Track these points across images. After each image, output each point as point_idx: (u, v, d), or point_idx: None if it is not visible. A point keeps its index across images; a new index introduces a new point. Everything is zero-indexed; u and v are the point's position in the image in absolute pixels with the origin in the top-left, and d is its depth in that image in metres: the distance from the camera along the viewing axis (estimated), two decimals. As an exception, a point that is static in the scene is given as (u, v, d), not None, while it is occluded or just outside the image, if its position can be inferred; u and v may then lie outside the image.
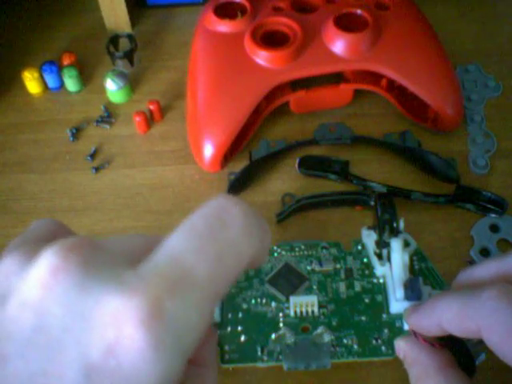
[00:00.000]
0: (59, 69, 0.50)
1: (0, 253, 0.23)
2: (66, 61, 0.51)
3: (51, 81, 0.50)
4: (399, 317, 0.32)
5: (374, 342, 0.32)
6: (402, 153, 0.44)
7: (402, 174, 0.44)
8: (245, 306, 0.33)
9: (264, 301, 0.33)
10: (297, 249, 0.35)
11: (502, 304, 0.24)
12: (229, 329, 0.32)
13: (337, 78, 0.46)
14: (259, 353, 0.31)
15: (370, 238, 0.35)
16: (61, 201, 0.43)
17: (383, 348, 0.31)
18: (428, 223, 0.41)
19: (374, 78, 0.45)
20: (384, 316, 0.32)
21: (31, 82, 0.50)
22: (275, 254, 0.35)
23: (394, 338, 0.31)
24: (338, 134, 0.44)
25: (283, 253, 0.35)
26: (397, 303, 0.32)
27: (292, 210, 0.41)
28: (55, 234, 0.22)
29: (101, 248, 0.18)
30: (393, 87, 0.46)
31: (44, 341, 0.16)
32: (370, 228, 0.35)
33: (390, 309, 0.32)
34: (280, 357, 0.31)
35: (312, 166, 0.43)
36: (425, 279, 0.33)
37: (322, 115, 0.47)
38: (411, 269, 0.33)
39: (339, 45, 0.42)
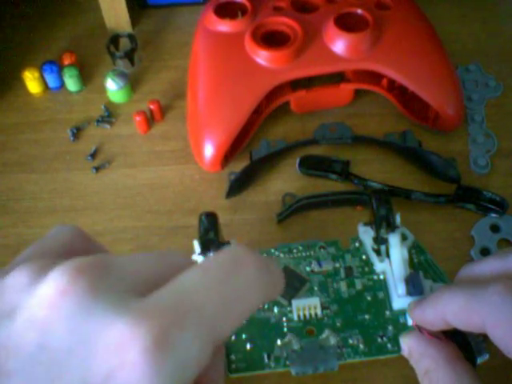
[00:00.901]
0: (60, 68, 0.50)
1: (0, 253, 0.23)
2: (66, 60, 0.51)
3: (52, 80, 0.50)
4: (402, 313, 0.32)
5: (379, 340, 0.32)
6: (403, 153, 0.44)
7: (402, 173, 0.44)
8: None
9: (266, 306, 0.33)
10: (295, 250, 0.35)
11: (507, 299, 0.24)
12: (233, 338, 0.32)
13: (337, 78, 0.46)
14: (266, 360, 0.31)
15: (367, 235, 0.35)
16: (61, 200, 0.43)
17: (389, 345, 0.31)
18: (428, 223, 0.41)
19: (375, 77, 0.45)
20: (387, 313, 0.32)
21: (32, 82, 0.50)
22: (272, 257, 0.35)
23: (398, 335, 0.31)
24: (338, 134, 0.44)
25: (281, 255, 0.35)
26: (399, 299, 0.32)
27: (292, 209, 0.41)
28: (72, 245, 0.22)
29: (111, 270, 0.18)
30: (393, 87, 0.45)
31: (47, 360, 0.16)
32: (366, 224, 0.35)
33: (392, 305, 0.32)
34: (287, 362, 0.31)
35: (312, 166, 0.43)
36: (425, 272, 0.33)
37: (323, 115, 0.47)
38: (411, 263, 0.33)
39: (340, 44, 0.42)
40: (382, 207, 0.33)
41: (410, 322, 0.31)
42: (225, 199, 0.42)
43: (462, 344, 0.30)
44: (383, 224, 0.33)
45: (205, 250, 0.33)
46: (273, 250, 0.35)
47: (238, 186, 0.42)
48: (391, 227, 0.33)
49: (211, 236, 0.33)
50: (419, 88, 0.42)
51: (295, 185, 0.43)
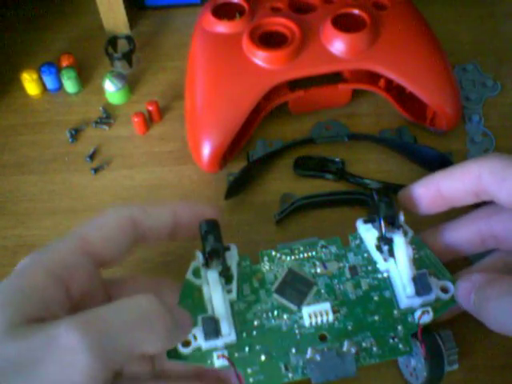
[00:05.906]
0: (58, 70, 0.50)
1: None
2: (64, 62, 0.51)
3: (50, 82, 0.50)
4: (410, 311, 0.32)
5: (391, 341, 0.31)
6: (399, 148, 0.44)
7: (398, 171, 0.44)
8: (256, 322, 0.32)
9: (276, 313, 0.32)
10: (296, 251, 0.34)
11: None
12: (247, 350, 0.31)
13: (335, 78, 0.46)
14: (283, 370, 0.30)
15: (368, 232, 0.34)
16: (60, 202, 0.44)
17: (400, 346, 0.31)
18: (426, 219, 0.41)
19: (373, 77, 0.45)
20: (395, 312, 0.32)
21: (30, 84, 0.50)
22: (275, 260, 0.34)
23: (408, 334, 0.31)
24: (334, 132, 0.45)
25: (283, 257, 0.34)
26: (408, 300, 0.31)
27: (291, 210, 0.41)
28: None
29: None
30: (391, 87, 0.46)
31: None
32: (366, 222, 0.34)
33: (399, 304, 0.32)
34: (305, 371, 0.30)
35: (308, 167, 0.43)
36: (426, 268, 0.32)
37: (321, 115, 0.47)
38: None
39: (337, 45, 0.42)
40: (387, 207, 0.32)
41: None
42: (223, 200, 0.42)
43: (434, 350, 0.31)
44: (388, 224, 0.32)
45: (209, 261, 0.32)
46: (273, 253, 0.34)
47: (237, 186, 0.42)
48: (396, 226, 0.32)
49: (213, 245, 0.31)
50: (417, 88, 0.43)
51: (293, 185, 0.43)
